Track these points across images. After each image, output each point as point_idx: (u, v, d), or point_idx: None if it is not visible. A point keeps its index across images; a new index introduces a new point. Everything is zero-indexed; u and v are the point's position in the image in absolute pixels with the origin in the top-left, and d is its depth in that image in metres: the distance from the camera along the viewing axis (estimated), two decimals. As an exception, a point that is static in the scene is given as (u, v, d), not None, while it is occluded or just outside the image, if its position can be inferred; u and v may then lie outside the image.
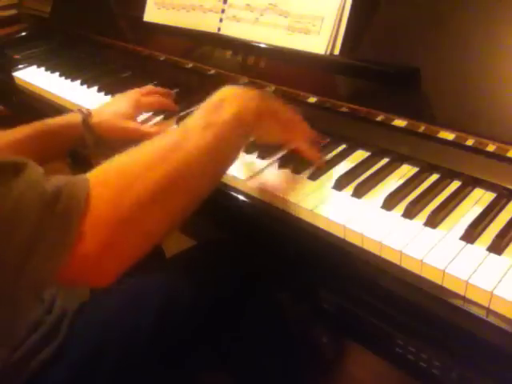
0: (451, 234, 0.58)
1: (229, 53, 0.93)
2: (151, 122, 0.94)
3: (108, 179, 0.50)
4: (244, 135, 0.63)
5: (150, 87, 0.96)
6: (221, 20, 0.92)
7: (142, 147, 0.55)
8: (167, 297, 0.73)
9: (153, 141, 0.56)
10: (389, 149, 0.73)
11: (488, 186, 0.64)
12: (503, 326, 0.49)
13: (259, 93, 0.66)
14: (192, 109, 0.94)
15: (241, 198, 0.72)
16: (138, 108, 0.90)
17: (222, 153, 0.59)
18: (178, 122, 0.90)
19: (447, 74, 0.68)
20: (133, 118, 0.89)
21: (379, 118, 0.73)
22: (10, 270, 0.42)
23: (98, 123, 0.86)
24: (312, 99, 0.81)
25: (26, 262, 0.42)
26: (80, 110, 0.86)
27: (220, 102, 0.61)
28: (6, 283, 0.42)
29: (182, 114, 0.93)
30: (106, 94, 1.06)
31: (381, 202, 0.64)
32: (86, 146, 0.87)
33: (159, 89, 0.96)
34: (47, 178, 0.46)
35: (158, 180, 0.51)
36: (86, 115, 0.85)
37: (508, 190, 0.62)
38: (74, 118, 0.86)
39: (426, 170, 0.70)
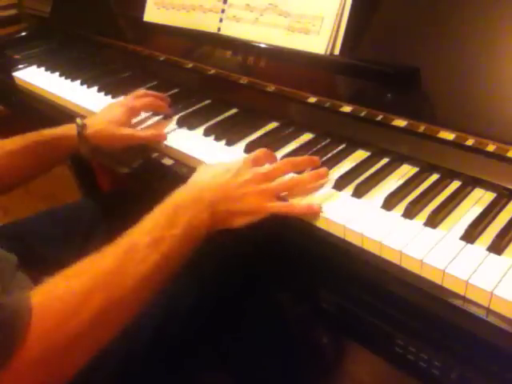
0: (451, 234, 0.58)
1: (229, 53, 0.93)
2: (150, 122, 0.94)
3: (41, 318, 0.47)
4: (195, 243, 0.61)
5: (142, 91, 0.95)
6: (221, 20, 0.92)
7: (81, 272, 0.52)
8: (167, 297, 0.73)
9: (94, 265, 0.53)
10: (389, 149, 0.73)
11: (488, 186, 0.64)
12: (503, 326, 0.49)
13: (210, 198, 0.62)
14: (192, 109, 0.94)
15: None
16: (132, 113, 0.90)
17: (166, 269, 0.57)
18: (179, 123, 0.90)
19: (447, 74, 0.68)
20: (128, 124, 0.88)
21: (379, 118, 0.73)
22: None
23: (94, 133, 0.85)
24: (312, 99, 0.81)
25: None
26: (76, 123, 0.86)
27: (173, 214, 0.59)
28: None
29: (182, 113, 0.93)
30: (105, 94, 1.06)
31: (381, 202, 0.64)
32: (81, 156, 0.87)
33: (152, 92, 0.95)
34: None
35: (93, 314, 0.49)
36: (81, 127, 0.85)
37: (508, 189, 0.62)
38: (69, 129, 0.86)
39: (425, 169, 0.70)
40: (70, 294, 0.50)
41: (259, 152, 0.69)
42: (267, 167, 0.67)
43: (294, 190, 0.67)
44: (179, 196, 0.62)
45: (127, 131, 0.87)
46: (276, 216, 0.65)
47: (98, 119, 0.88)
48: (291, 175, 0.68)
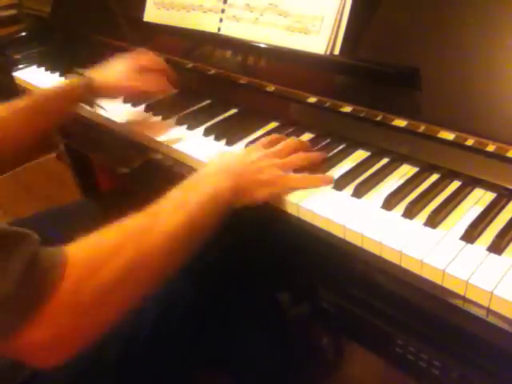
0: (451, 234, 0.58)
1: (229, 53, 0.93)
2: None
3: (74, 267, 0.48)
4: (220, 212, 0.62)
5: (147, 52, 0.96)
6: (221, 20, 0.92)
7: (112, 230, 0.53)
8: (167, 297, 0.73)
9: (124, 223, 0.54)
10: (389, 149, 0.73)
11: (488, 186, 0.64)
12: (503, 326, 0.49)
13: (232, 169, 0.65)
14: (192, 109, 0.94)
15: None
16: (137, 67, 0.91)
17: (193, 234, 0.58)
18: (178, 122, 0.90)
19: (447, 74, 0.68)
20: (133, 78, 0.90)
21: (379, 118, 0.73)
22: None
23: (99, 84, 0.87)
24: (312, 99, 0.81)
25: None
26: (81, 74, 0.87)
27: (196, 181, 0.62)
28: None
29: (182, 113, 0.93)
30: (105, 94, 1.05)
31: (381, 202, 0.64)
32: (88, 105, 0.90)
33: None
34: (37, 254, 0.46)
35: (123, 268, 0.50)
36: (87, 78, 0.87)
37: (508, 189, 0.62)
38: (74, 81, 0.87)
39: (426, 169, 0.70)
40: (102, 244, 0.51)
41: (268, 137, 0.75)
42: (277, 146, 0.72)
43: (304, 166, 0.71)
44: (201, 170, 0.65)
45: (132, 83, 0.89)
46: (276, 218, 0.65)
47: (103, 71, 0.90)
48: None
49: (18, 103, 0.82)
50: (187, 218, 0.57)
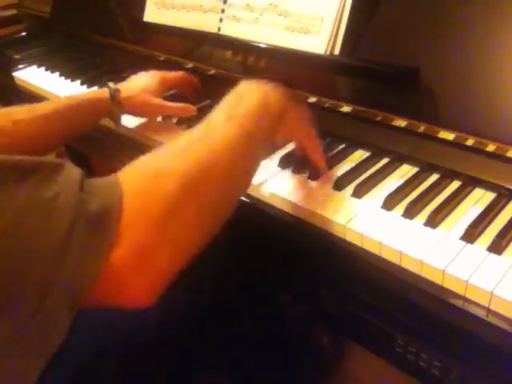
0: (451, 234, 0.58)
1: (229, 53, 0.93)
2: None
3: (136, 177, 0.46)
4: (271, 127, 0.59)
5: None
6: (221, 20, 0.92)
7: (166, 145, 0.51)
8: (167, 297, 0.73)
9: (175, 138, 0.52)
10: (389, 149, 0.73)
11: (488, 186, 0.64)
12: (503, 325, 0.49)
13: (281, 86, 0.62)
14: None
15: (240, 198, 0.72)
16: (164, 84, 0.91)
17: (249, 145, 0.54)
18: (178, 123, 0.90)
19: (447, 74, 0.68)
20: (160, 95, 0.89)
21: (379, 118, 0.73)
22: (40, 280, 0.37)
23: (126, 99, 0.86)
24: (312, 99, 0.81)
25: (58, 270, 0.38)
26: (108, 86, 0.86)
27: (241, 94, 0.58)
28: (34, 295, 0.37)
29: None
30: (105, 94, 1.05)
31: (381, 202, 0.64)
32: (113, 120, 0.88)
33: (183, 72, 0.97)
34: (83, 178, 0.43)
35: (184, 174, 0.47)
36: (114, 91, 0.86)
37: (508, 189, 0.62)
38: (101, 92, 0.86)
39: (425, 169, 0.70)
40: (158, 159, 0.49)
41: None
42: None
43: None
44: (246, 83, 0.61)
45: (158, 101, 0.88)
46: (275, 218, 0.65)
47: (132, 86, 0.89)
48: None
49: (42, 108, 0.81)
50: (240, 130, 0.53)
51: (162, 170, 0.47)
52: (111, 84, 0.87)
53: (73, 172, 0.43)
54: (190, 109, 0.88)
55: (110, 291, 0.42)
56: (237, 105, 0.56)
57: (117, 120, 0.88)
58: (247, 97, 0.58)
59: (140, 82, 0.89)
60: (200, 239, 0.49)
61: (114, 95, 0.85)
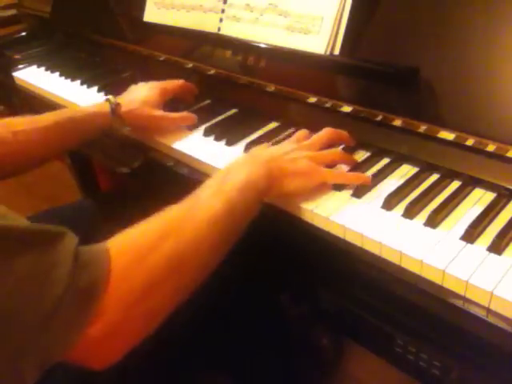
0: (451, 234, 0.58)
1: (229, 53, 0.93)
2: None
3: (123, 256, 0.49)
4: (257, 200, 0.62)
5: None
6: (221, 20, 0.92)
7: (152, 220, 0.53)
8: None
9: (162, 213, 0.54)
10: (389, 149, 0.73)
11: (488, 186, 0.64)
12: (503, 326, 0.49)
13: (264, 158, 0.65)
14: (192, 109, 0.94)
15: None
16: (164, 95, 0.91)
17: (234, 220, 0.57)
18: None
19: (447, 74, 0.68)
20: (160, 106, 0.89)
21: (379, 118, 0.73)
22: (18, 345, 0.40)
23: (127, 112, 0.86)
24: (312, 99, 0.81)
25: (37, 339, 0.41)
26: (108, 100, 0.86)
27: (228, 171, 0.61)
28: (9, 358, 0.40)
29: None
30: (106, 94, 1.05)
31: (381, 202, 0.64)
32: (114, 133, 0.88)
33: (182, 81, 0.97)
34: (78, 249, 0.45)
35: (169, 254, 0.50)
36: (115, 105, 0.86)
37: (508, 189, 0.62)
38: (102, 107, 0.86)
39: (425, 169, 0.70)
40: (144, 235, 0.51)
41: (300, 132, 0.74)
42: (310, 140, 0.71)
43: (338, 160, 0.71)
44: (233, 162, 0.64)
45: (159, 113, 0.88)
46: (275, 218, 0.65)
47: (132, 99, 0.89)
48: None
49: (43, 120, 0.81)
50: (226, 205, 0.56)
51: (148, 248, 0.49)
52: (111, 98, 0.87)
53: (71, 242, 0.46)
54: (191, 118, 0.88)
55: (80, 358, 0.46)
56: (224, 180, 0.59)
57: (118, 132, 0.88)
58: (233, 173, 0.61)
59: (140, 95, 0.89)
60: (174, 307, 0.52)
61: (115, 109, 0.85)
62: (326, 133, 0.72)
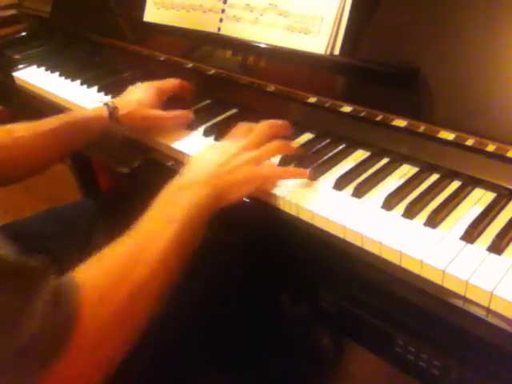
0: (451, 234, 0.58)
1: (229, 53, 0.93)
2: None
3: (92, 290, 0.49)
4: (205, 218, 0.62)
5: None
6: (221, 20, 0.92)
7: (107, 257, 0.54)
8: (167, 297, 0.73)
9: (115, 248, 0.55)
10: (389, 149, 0.73)
11: (488, 186, 0.64)
12: (503, 326, 0.49)
13: (205, 177, 0.65)
14: (192, 109, 0.94)
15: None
16: (161, 95, 0.91)
17: (185, 244, 0.59)
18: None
19: (447, 74, 0.68)
20: (157, 105, 0.89)
21: (379, 118, 0.73)
22: None
23: (125, 115, 0.86)
24: (312, 99, 0.81)
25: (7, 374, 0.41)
26: (106, 104, 0.87)
27: (173, 197, 0.62)
28: None
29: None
30: (105, 94, 1.05)
31: (381, 202, 0.64)
32: (113, 136, 0.88)
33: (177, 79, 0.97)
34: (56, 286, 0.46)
35: (135, 280, 0.52)
36: (113, 108, 0.86)
37: (508, 189, 0.62)
38: (100, 111, 0.87)
39: (426, 169, 0.70)
40: (110, 269, 0.52)
41: (239, 127, 0.75)
42: (250, 136, 0.71)
43: (280, 154, 0.73)
44: (174, 182, 0.64)
45: (157, 113, 0.88)
46: (275, 218, 0.65)
47: (129, 100, 0.89)
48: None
49: (42, 126, 0.81)
50: (176, 235, 0.57)
51: (113, 283, 0.51)
52: (109, 102, 0.87)
53: (49, 281, 0.46)
54: (189, 116, 0.88)
55: None
56: (172, 205, 0.60)
57: (117, 135, 0.88)
58: (180, 197, 0.61)
59: (137, 96, 0.89)
60: (136, 334, 0.54)
61: (113, 113, 0.85)
62: (263, 127, 0.73)
